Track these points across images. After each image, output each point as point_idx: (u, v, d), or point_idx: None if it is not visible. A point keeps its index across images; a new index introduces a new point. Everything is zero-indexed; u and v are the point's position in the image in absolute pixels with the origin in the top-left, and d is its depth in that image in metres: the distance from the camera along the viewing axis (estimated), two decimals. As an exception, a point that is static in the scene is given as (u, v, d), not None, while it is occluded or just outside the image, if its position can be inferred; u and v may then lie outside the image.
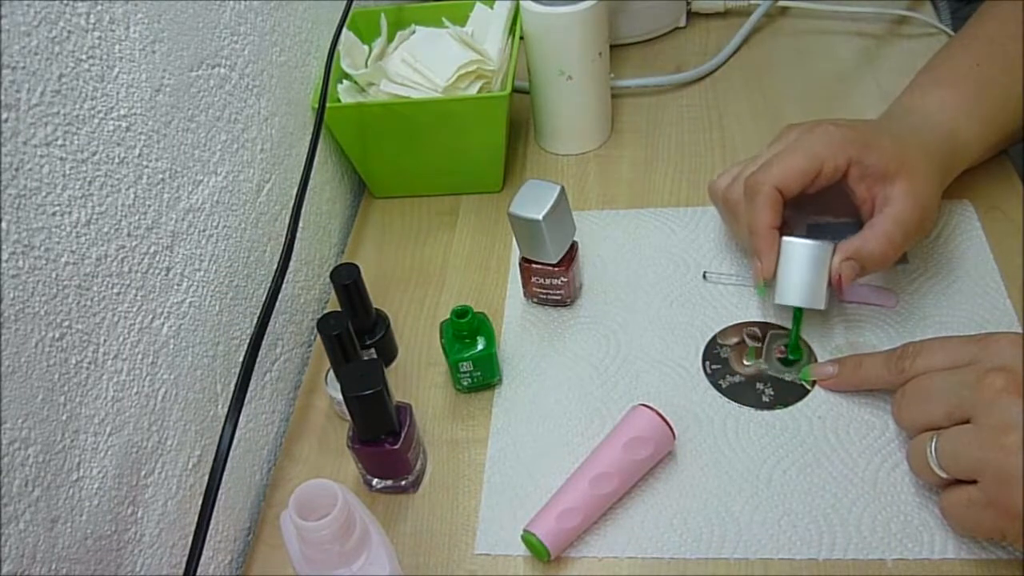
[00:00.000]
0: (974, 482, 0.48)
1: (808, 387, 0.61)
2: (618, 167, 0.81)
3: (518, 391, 0.64)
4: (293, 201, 0.65)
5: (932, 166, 0.61)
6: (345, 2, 0.76)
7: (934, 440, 0.50)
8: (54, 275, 0.43)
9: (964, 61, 0.67)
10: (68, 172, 0.45)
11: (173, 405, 0.53)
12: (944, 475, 0.50)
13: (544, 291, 0.68)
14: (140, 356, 0.50)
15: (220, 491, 0.49)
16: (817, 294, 0.60)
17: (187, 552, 0.47)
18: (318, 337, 0.69)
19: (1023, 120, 0.67)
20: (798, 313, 0.62)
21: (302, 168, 0.67)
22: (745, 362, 0.63)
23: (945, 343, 0.54)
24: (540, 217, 0.61)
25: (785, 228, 0.62)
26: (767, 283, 0.62)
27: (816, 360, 0.62)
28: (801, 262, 0.60)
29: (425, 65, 0.75)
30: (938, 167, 0.62)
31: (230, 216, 0.60)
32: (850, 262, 0.59)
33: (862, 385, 0.59)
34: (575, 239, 0.66)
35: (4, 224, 0.40)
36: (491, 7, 0.81)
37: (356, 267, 0.63)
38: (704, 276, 0.69)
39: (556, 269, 0.66)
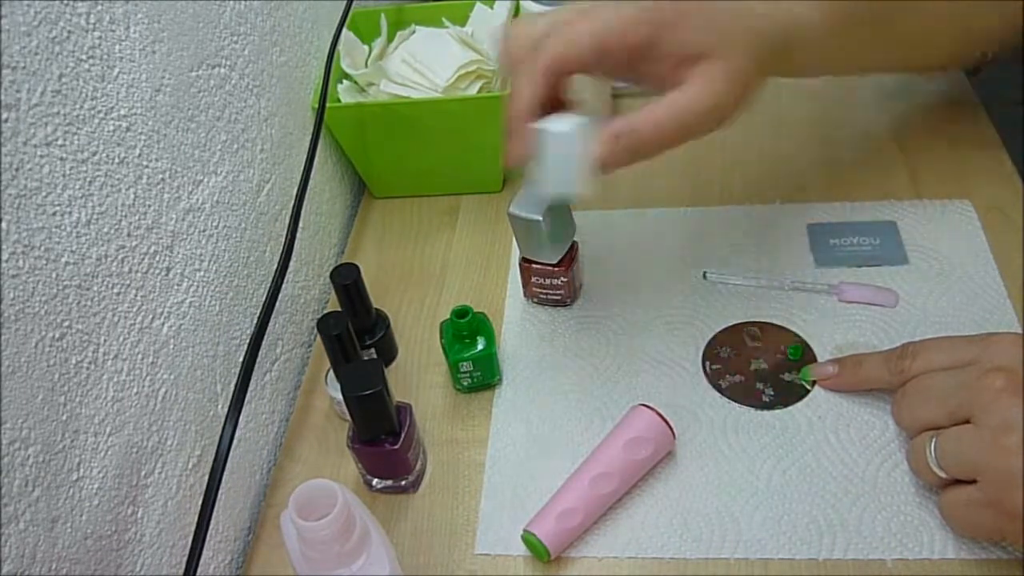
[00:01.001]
0: (974, 482, 0.48)
1: (808, 387, 0.61)
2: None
3: (518, 391, 0.64)
4: (293, 201, 0.65)
5: (750, 49, 0.53)
6: (345, 2, 0.76)
7: (934, 440, 0.50)
8: (54, 275, 0.43)
9: None
10: (68, 172, 0.45)
11: (173, 405, 0.53)
12: (943, 475, 0.50)
13: (544, 291, 0.68)
14: (140, 356, 0.50)
15: (220, 491, 0.49)
16: (571, 179, 0.53)
17: (187, 552, 0.47)
18: (318, 337, 0.69)
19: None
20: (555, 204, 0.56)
21: (302, 168, 0.67)
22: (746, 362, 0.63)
23: (945, 343, 0.54)
24: (540, 217, 0.61)
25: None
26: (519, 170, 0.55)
27: (816, 360, 0.62)
28: (557, 147, 0.52)
29: (425, 65, 0.75)
30: (761, 50, 0.53)
31: (230, 216, 0.60)
32: (612, 141, 0.52)
33: (862, 385, 0.59)
34: (575, 239, 0.66)
35: (4, 224, 0.40)
36: (491, 7, 0.81)
37: (356, 267, 0.63)
38: (704, 276, 0.69)
39: (556, 269, 0.66)
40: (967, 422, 0.49)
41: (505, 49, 0.55)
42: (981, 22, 0.63)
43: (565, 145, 0.52)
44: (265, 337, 0.57)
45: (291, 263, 0.62)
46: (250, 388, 0.55)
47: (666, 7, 0.52)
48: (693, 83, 0.51)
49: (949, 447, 0.49)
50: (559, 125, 0.52)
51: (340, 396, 0.55)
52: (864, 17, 0.58)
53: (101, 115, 0.47)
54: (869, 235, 0.69)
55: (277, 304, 0.59)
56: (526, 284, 0.69)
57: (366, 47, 0.80)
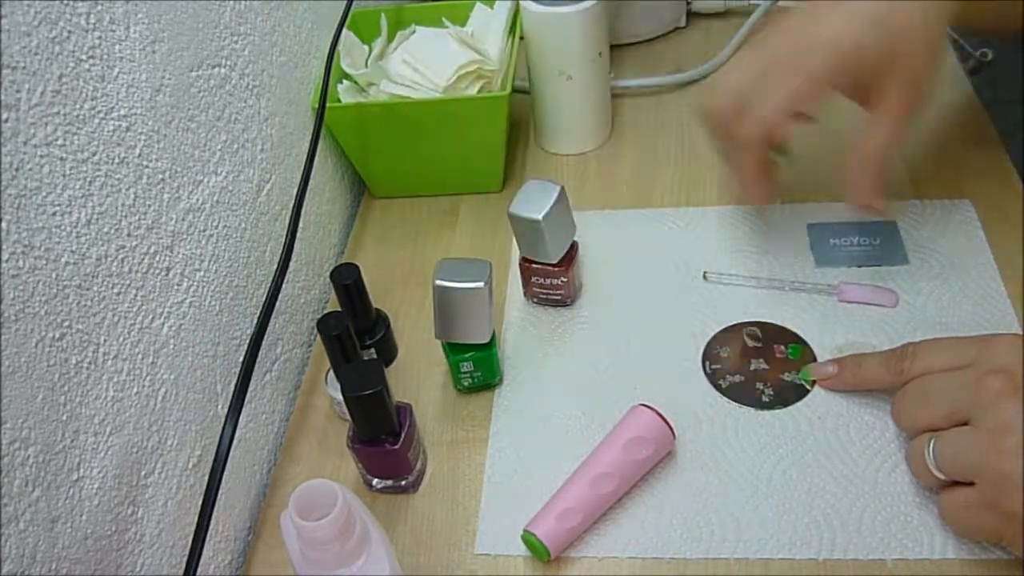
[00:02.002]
0: (972, 484, 0.48)
1: (808, 387, 0.61)
2: (618, 167, 0.81)
3: (518, 391, 0.64)
4: (293, 201, 0.65)
5: (929, 29, 0.57)
6: (345, 2, 0.76)
7: (932, 442, 0.50)
8: (54, 275, 0.43)
9: None
10: (68, 172, 0.45)
11: (173, 405, 0.53)
12: (942, 476, 0.50)
13: (544, 291, 0.68)
14: (140, 356, 0.50)
15: (220, 491, 0.49)
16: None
17: (187, 552, 0.47)
18: (318, 337, 0.69)
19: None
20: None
21: (302, 168, 0.67)
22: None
23: (945, 344, 0.54)
24: (540, 217, 0.61)
25: None
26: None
27: (816, 360, 0.62)
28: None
29: (425, 65, 0.75)
30: (936, 23, 0.57)
31: (230, 216, 0.60)
32: (860, 166, 0.59)
33: (861, 385, 0.59)
34: (575, 239, 0.66)
35: (4, 224, 0.40)
36: (491, 7, 0.81)
37: (356, 267, 0.63)
38: (704, 276, 0.69)
39: (556, 269, 0.66)
40: (966, 424, 0.49)
41: (711, 113, 0.63)
42: None
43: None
44: (265, 337, 0.57)
45: (291, 263, 0.62)
46: (250, 388, 0.55)
47: (848, 55, 0.57)
48: (898, 91, 0.57)
49: (947, 449, 0.49)
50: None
51: (340, 396, 0.55)
52: None
53: (101, 115, 0.47)
54: (869, 235, 0.69)
55: (277, 304, 0.59)
56: (526, 284, 0.69)
57: (366, 47, 0.80)
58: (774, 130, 0.59)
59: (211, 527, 0.52)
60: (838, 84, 0.58)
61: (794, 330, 0.64)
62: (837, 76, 0.58)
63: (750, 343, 0.64)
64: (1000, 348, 0.50)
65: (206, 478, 0.50)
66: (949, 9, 0.57)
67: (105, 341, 0.47)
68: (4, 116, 0.40)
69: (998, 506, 0.47)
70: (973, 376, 0.49)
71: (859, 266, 0.67)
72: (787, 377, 0.62)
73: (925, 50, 0.58)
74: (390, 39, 0.80)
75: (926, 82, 0.58)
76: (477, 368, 0.63)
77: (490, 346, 0.62)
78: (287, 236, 0.63)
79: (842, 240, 0.69)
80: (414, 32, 0.80)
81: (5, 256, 0.40)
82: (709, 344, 0.65)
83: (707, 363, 0.64)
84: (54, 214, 0.44)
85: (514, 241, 0.68)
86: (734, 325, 0.65)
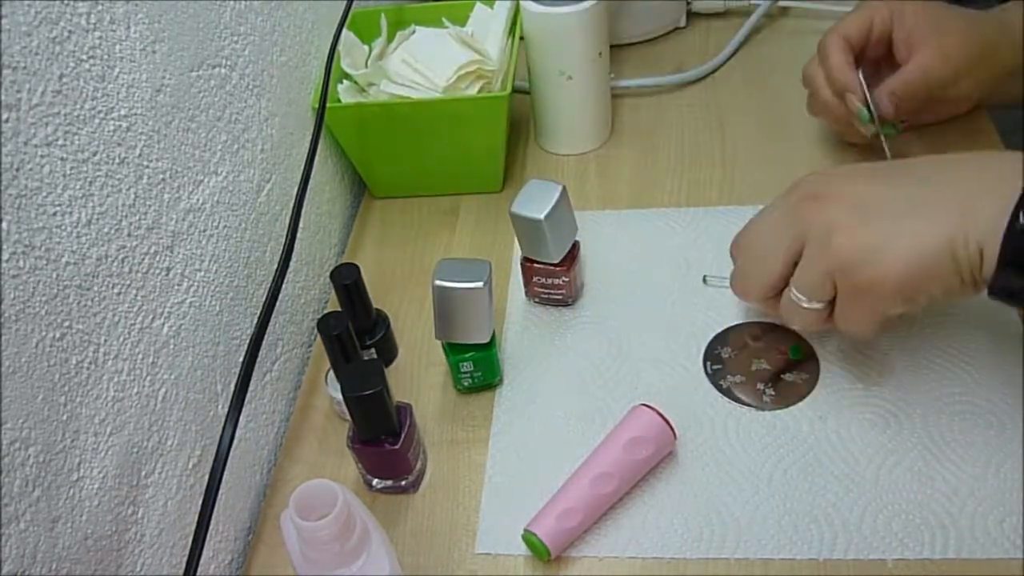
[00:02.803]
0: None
1: (777, 405, 0.60)
2: (618, 167, 0.81)
3: (519, 391, 0.64)
4: (293, 201, 0.65)
5: (969, 36, 0.67)
6: (345, 2, 0.76)
7: (791, 287, 0.54)
8: (55, 275, 0.43)
9: None
10: (69, 172, 0.45)
11: (173, 405, 0.53)
12: (818, 304, 0.54)
13: (545, 291, 0.68)
14: (140, 356, 0.50)
15: (220, 491, 0.49)
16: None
17: (187, 552, 0.47)
18: (318, 337, 0.69)
19: None
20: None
21: (302, 168, 0.67)
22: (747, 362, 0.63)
23: (754, 222, 0.59)
24: (542, 217, 0.61)
25: None
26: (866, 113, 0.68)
27: (817, 360, 0.62)
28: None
29: (425, 65, 0.75)
30: (981, 36, 0.68)
31: (230, 216, 0.60)
32: (890, 95, 0.67)
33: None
34: (576, 239, 0.66)
35: (5, 224, 0.40)
36: (491, 7, 0.81)
37: (356, 267, 0.63)
38: (704, 280, 0.69)
39: (558, 269, 0.66)
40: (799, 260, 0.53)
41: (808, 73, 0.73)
42: None
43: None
44: (265, 337, 0.57)
45: (291, 263, 0.62)
46: (250, 388, 0.55)
47: (905, 9, 0.69)
48: (925, 54, 0.67)
49: (804, 278, 0.53)
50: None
51: (340, 396, 0.55)
52: None
53: (101, 115, 0.47)
54: None
55: (277, 304, 0.59)
56: (527, 284, 0.69)
57: (366, 47, 0.80)
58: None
59: (211, 527, 0.52)
60: (896, 29, 0.69)
61: (794, 330, 0.64)
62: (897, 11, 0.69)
63: (751, 343, 0.64)
64: (794, 188, 0.56)
65: (206, 478, 0.50)
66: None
67: (105, 341, 0.47)
68: (5, 116, 0.40)
69: (854, 279, 0.51)
70: (789, 213, 0.54)
71: None
72: (788, 377, 0.62)
73: (959, 38, 0.67)
74: (390, 39, 0.80)
75: (951, 62, 0.67)
76: (477, 368, 0.63)
77: (490, 346, 0.62)
78: (287, 236, 0.63)
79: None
80: (414, 32, 0.80)
81: (5, 256, 0.40)
82: (710, 344, 0.65)
83: (708, 363, 0.64)
84: (54, 214, 0.44)
85: (515, 241, 0.68)
86: (735, 325, 0.65)
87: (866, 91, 0.68)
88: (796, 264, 0.54)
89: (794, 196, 0.55)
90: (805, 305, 0.54)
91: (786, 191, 0.57)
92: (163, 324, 0.53)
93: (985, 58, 0.68)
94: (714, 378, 0.63)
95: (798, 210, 0.54)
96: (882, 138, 0.69)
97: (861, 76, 0.69)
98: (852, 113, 0.69)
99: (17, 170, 0.41)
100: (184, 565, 0.47)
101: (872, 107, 0.68)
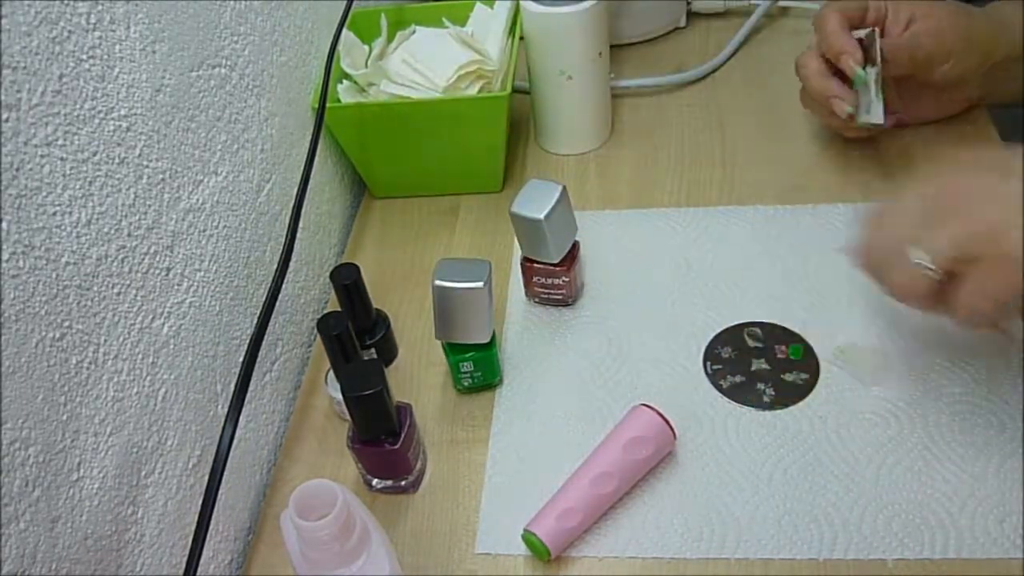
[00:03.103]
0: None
1: (777, 405, 0.60)
2: (618, 167, 0.81)
3: (519, 391, 0.64)
4: (293, 201, 0.65)
5: (960, 18, 0.68)
6: (345, 2, 0.76)
7: (915, 247, 0.50)
8: (54, 275, 0.43)
9: None
10: (68, 172, 0.45)
11: (173, 405, 0.53)
12: (939, 272, 0.49)
13: (545, 291, 0.68)
14: (140, 356, 0.50)
15: (220, 491, 0.49)
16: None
17: (187, 552, 0.47)
18: (318, 337, 0.69)
19: None
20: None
21: (302, 168, 0.67)
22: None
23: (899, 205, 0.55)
24: (542, 217, 0.61)
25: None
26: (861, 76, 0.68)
27: (817, 360, 0.62)
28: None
29: (425, 65, 0.75)
30: (972, 23, 0.68)
31: (230, 216, 0.60)
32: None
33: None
34: (576, 239, 0.66)
35: (5, 224, 0.40)
36: (491, 7, 0.81)
37: (356, 267, 0.63)
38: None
39: (558, 269, 0.66)
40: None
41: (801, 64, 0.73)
42: None
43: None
44: (265, 337, 0.57)
45: (291, 263, 0.62)
46: (250, 388, 0.55)
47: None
48: (918, 23, 0.69)
49: (938, 238, 0.49)
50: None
51: (340, 396, 0.55)
52: None
53: (101, 115, 0.47)
54: None
55: (277, 304, 0.59)
56: (527, 284, 0.69)
57: (366, 47, 0.80)
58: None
59: (211, 527, 0.52)
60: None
61: (795, 330, 0.64)
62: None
63: (751, 343, 0.64)
64: (939, 183, 0.52)
65: (206, 478, 0.50)
66: None
67: (105, 341, 0.47)
68: (4, 116, 0.40)
69: (1005, 255, 0.47)
70: (922, 197, 0.52)
71: None
72: (788, 377, 0.62)
73: (951, 15, 0.68)
74: (390, 39, 0.80)
75: (942, 35, 0.68)
76: (477, 368, 0.63)
77: (490, 346, 0.62)
78: (287, 236, 0.63)
79: None
80: (414, 32, 0.80)
81: (5, 256, 0.40)
82: (710, 344, 0.65)
83: (708, 363, 0.64)
84: (54, 214, 0.44)
85: (515, 241, 0.68)
86: (735, 325, 0.65)
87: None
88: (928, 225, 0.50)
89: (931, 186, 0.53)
90: (927, 267, 0.49)
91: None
92: (163, 324, 0.53)
93: (975, 44, 0.69)
94: (714, 378, 0.63)
95: (939, 189, 0.51)
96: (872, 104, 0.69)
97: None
98: (849, 79, 0.69)
99: (17, 170, 0.41)
100: (184, 565, 0.47)
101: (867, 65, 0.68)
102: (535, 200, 0.62)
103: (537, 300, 0.70)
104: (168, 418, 0.53)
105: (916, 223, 0.51)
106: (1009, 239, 0.47)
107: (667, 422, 0.56)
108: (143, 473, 0.50)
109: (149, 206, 0.51)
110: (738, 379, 0.62)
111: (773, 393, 0.61)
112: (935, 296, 0.50)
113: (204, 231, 0.57)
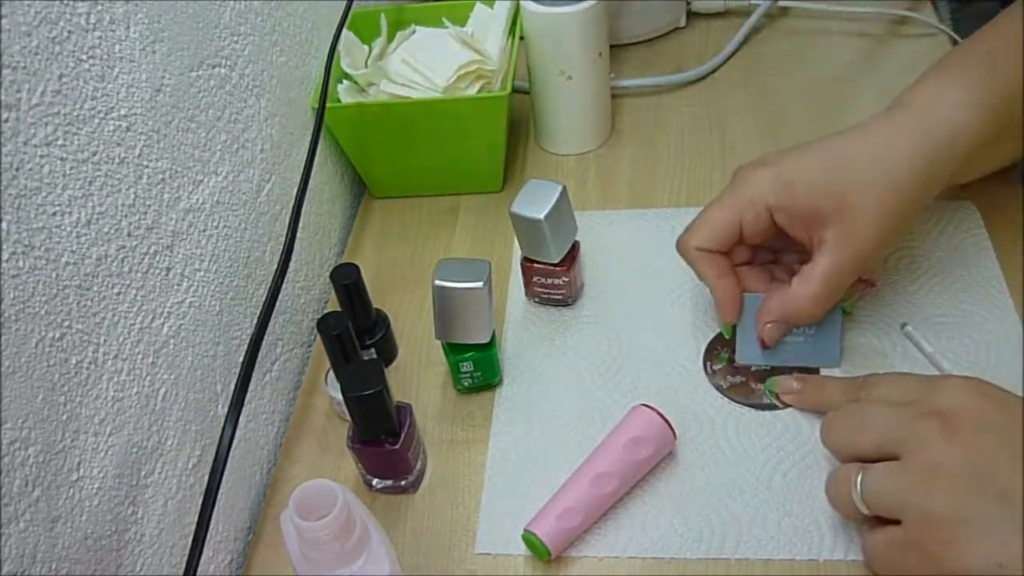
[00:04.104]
0: (897, 523, 0.47)
1: (774, 400, 0.60)
2: (618, 167, 0.81)
3: (519, 391, 0.64)
4: (293, 201, 0.65)
5: (891, 194, 0.54)
6: (345, 2, 0.76)
7: (860, 475, 0.48)
8: (54, 275, 0.43)
9: (973, 50, 0.58)
10: (68, 172, 0.45)
11: (173, 405, 0.53)
12: (865, 511, 0.48)
13: (545, 291, 0.68)
14: (140, 356, 0.50)
15: (220, 491, 0.49)
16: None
17: (187, 552, 0.47)
18: (318, 337, 0.69)
19: None
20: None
21: (302, 168, 0.67)
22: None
23: (900, 380, 0.53)
24: (542, 216, 0.61)
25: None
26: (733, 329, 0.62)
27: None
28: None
29: (425, 65, 0.75)
30: (908, 189, 0.55)
31: (230, 216, 0.60)
32: (773, 324, 0.59)
33: (821, 407, 0.58)
34: (576, 239, 0.66)
35: (4, 224, 0.40)
36: (491, 7, 0.81)
37: (356, 267, 0.63)
38: (902, 328, 0.63)
39: (558, 269, 0.66)
40: (895, 459, 0.48)
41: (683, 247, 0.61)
42: None
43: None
44: (265, 337, 0.57)
45: (291, 263, 0.62)
46: (250, 388, 0.55)
47: (793, 168, 0.56)
48: (831, 247, 0.55)
49: (875, 484, 0.48)
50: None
51: (340, 396, 0.55)
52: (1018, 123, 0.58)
53: (101, 115, 0.47)
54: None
55: (277, 304, 0.59)
56: (527, 284, 0.69)
57: (366, 47, 0.80)
58: (712, 246, 0.58)
59: (211, 527, 0.52)
60: (779, 215, 0.56)
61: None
62: (778, 204, 0.56)
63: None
64: (947, 392, 0.49)
65: (206, 478, 0.50)
66: (935, 168, 0.53)
67: (105, 341, 0.47)
68: (4, 116, 0.40)
69: (923, 547, 0.45)
70: (912, 413, 0.48)
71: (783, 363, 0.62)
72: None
73: (877, 206, 0.54)
74: (390, 39, 0.80)
75: (870, 243, 0.55)
76: (477, 368, 0.63)
77: (490, 346, 0.62)
78: (287, 236, 0.63)
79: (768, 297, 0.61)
80: (414, 32, 0.80)
81: (5, 256, 0.40)
82: (710, 344, 0.65)
83: (708, 363, 0.64)
84: (54, 214, 0.44)
85: (515, 241, 0.68)
86: (735, 325, 0.65)
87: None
88: (883, 454, 0.48)
89: (929, 400, 0.49)
90: (857, 501, 0.48)
91: (934, 379, 0.51)
92: (163, 324, 0.53)
93: (933, 181, 0.55)
94: (714, 378, 0.63)
95: (918, 423, 0.47)
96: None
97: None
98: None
99: (17, 170, 0.41)
100: (184, 565, 0.47)
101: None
102: (535, 200, 0.62)
103: (537, 300, 0.70)
104: (168, 418, 0.53)
105: (879, 430, 0.49)
106: (943, 547, 0.44)
107: (667, 422, 0.56)
108: (143, 473, 0.50)
109: (149, 206, 0.51)
110: (738, 379, 0.62)
111: (773, 393, 0.61)
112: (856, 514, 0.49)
113: (204, 231, 0.57)
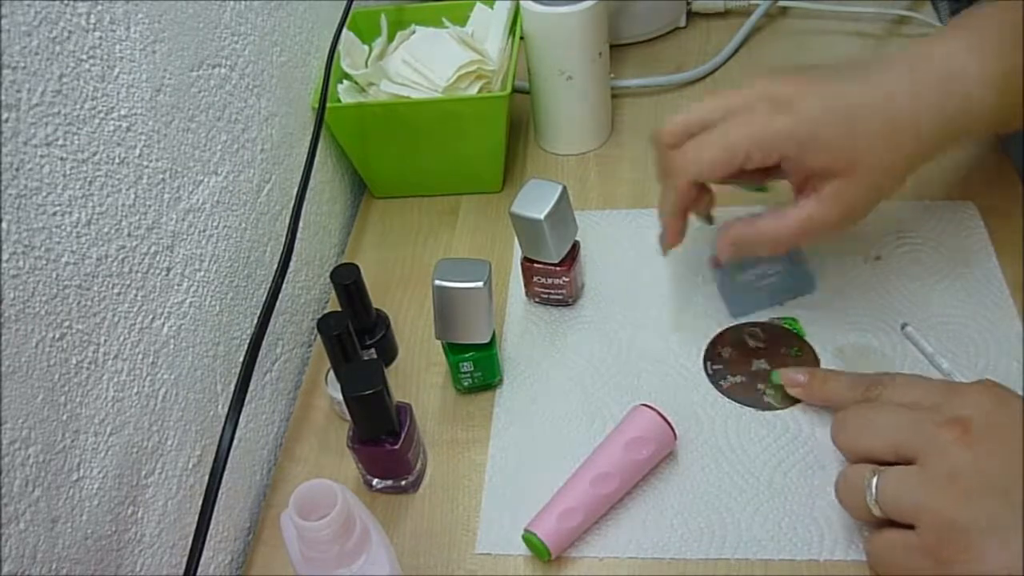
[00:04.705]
0: (909, 527, 0.46)
1: (776, 404, 0.60)
2: (618, 167, 0.81)
3: (519, 391, 0.64)
4: (293, 201, 0.65)
5: (902, 161, 0.54)
6: (345, 2, 0.76)
7: (876, 476, 0.48)
8: (54, 275, 0.43)
9: (990, 11, 0.56)
10: (68, 172, 0.45)
11: (173, 405, 0.53)
12: (879, 513, 0.48)
13: (546, 291, 0.68)
14: (140, 356, 0.50)
15: (220, 491, 0.49)
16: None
17: (187, 552, 0.47)
18: (318, 337, 0.69)
19: None
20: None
21: (302, 168, 0.67)
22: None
23: (918, 382, 0.53)
24: (542, 216, 0.61)
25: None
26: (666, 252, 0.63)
27: (817, 360, 0.62)
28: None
29: (425, 65, 0.75)
30: (920, 154, 0.55)
31: (230, 216, 0.60)
32: (733, 247, 0.59)
33: (826, 402, 0.58)
34: (576, 239, 0.66)
35: (5, 224, 0.40)
36: (491, 7, 0.81)
37: (356, 267, 0.63)
38: (902, 328, 0.63)
39: (558, 269, 0.66)
40: (910, 463, 0.47)
41: (657, 139, 0.59)
42: None
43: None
44: (265, 337, 0.57)
45: (291, 263, 0.62)
46: (250, 388, 0.55)
47: (812, 121, 0.54)
48: (825, 197, 0.55)
49: (891, 487, 0.47)
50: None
51: (340, 396, 0.55)
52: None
53: (101, 115, 0.47)
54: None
55: (277, 304, 0.59)
56: (527, 284, 0.69)
57: (366, 47, 0.80)
58: (702, 178, 0.58)
59: (211, 527, 0.52)
60: (786, 162, 0.55)
61: (795, 331, 0.64)
62: (788, 155, 0.55)
63: (751, 343, 0.64)
64: (967, 398, 0.49)
65: (206, 478, 0.50)
66: (952, 124, 0.52)
67: (105, 341, 0.47)
68: (4, 116, 0.40)
69: (937, 553, 0.45)
70: (932, 419, 0.48)
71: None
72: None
73: (885, 172, 0.54)
74: (390, 39, 0.80)
75: (865, 204, 0.56)
76: (477, 368, 0.63)
77: (490, 346, 0.62)
78: (287, 236, 0.63)
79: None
80: (414, 32, 0.80)
81: (5, 256, 0.40)
82: (711, 344, 0.65)
83: (708, 363, 0.64)
84: (54, 214, 0.44)
85: (515, 241, 0.68)
86: (735, 325, 0.65)
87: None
88: (899, 457, 0.48)
89: (949, 406, 0.49)
90: (871, 503, 0.48)
91: (954, 385, 0.52)
92: (163, 324, 0.53)
93: (945, 138, 0.55)
94: (714, 378, 0.63)
95: (939, 429, 0.47)
96: None
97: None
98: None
99: (17, 170, 0.41)
100: (184, 565, 0.47)
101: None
102: (535, 200, 0.62)
103: (537, 300, 0.70)
104: (168, 418, 0.53)
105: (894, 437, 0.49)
106: (956, 555, 0.44)
107: (667, 422, 0.56)
108: (143, 473, 0.50)
109: (149, 206, 0.51)
110: (738, 379, 0.62)
111: (773, 393, 0.61)
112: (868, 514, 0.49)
113: (204, 231, 0.57)
